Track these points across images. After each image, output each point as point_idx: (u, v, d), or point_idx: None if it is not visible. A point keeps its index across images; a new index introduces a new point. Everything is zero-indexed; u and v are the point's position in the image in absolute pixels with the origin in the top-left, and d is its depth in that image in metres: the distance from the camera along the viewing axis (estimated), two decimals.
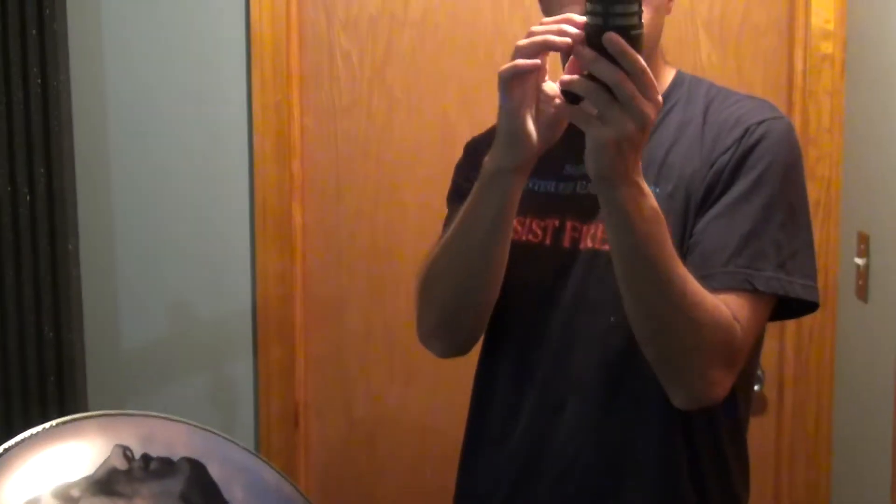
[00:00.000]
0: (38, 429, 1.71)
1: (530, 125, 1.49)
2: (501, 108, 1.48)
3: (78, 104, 2.60)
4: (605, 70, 1.32)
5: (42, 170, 2.46)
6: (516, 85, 1.46)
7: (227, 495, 1.76)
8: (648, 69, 1.32)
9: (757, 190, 1.56)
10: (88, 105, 2.63)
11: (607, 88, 1.32)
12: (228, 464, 1.81)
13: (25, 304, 2.46)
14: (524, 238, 1.68)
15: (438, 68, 2.70)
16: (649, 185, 1.44)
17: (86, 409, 2.49)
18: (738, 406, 1.68)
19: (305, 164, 2.73)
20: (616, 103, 1.32)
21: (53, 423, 1.72)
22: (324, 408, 2.79)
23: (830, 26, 2.53)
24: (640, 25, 1.33)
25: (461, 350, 1.75)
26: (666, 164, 1.62)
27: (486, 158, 1.55)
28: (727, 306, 1.50)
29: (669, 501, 1.64)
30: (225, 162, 2.68)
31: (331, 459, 2.81)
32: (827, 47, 2.53)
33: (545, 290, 1.67)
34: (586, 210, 1.64)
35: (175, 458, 1.76)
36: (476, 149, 1.78)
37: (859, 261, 2.38)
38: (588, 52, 1.33)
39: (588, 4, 1.34)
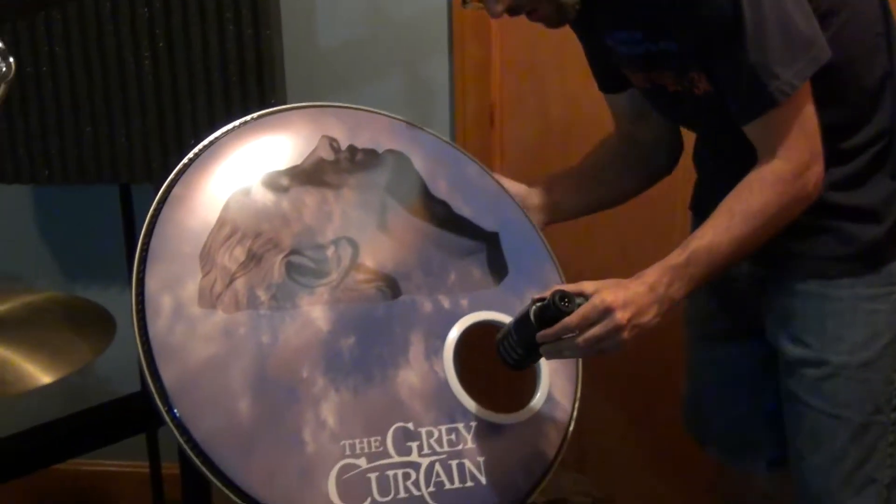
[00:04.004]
0: (247, 118, 1.73)
1: None
2: None
3: None
4: (565, 347, 1.54)
5: None
6: None
7: (430, 187, 1.78)
8: (584, 313, 1.50)
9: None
10: None
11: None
12: (431, 157, 1.82)
13: (224, 1, 2.46)
14: (642, 86, 1.83)
15: None
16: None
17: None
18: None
19: None
20: (602, 339, 1.51)
21: (262, 112, 1.74)
22: (519, 108, 2.76)
23: None
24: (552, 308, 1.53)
25: None
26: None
27: None
28: (764, 151, 1.62)
29: None
30: None
31: (525, 160, 2.79)
32: None
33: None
34: (652, 64, 1.74)
35: (380, 150, 1.77)
36: None
37: None
38: (547, 345, 1.55)
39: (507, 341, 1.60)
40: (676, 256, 1.59)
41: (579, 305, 1.52)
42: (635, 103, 1.91)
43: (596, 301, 1.51)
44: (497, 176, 1.91)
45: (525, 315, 1.57)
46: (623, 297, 1.52)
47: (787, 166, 1.60)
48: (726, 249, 1.59)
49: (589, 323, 1.51)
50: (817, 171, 1.63)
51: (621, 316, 1.50)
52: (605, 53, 1.86)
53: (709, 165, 1.90)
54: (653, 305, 1.55)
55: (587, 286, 1.55)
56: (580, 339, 1.52)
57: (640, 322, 1.53)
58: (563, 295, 1.53)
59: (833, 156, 1.69)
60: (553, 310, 1.53)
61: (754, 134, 1.65)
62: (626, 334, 1.52)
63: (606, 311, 1.50)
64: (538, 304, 1.56)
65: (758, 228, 1.60)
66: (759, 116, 1.62)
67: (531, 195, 1.91)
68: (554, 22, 1.74)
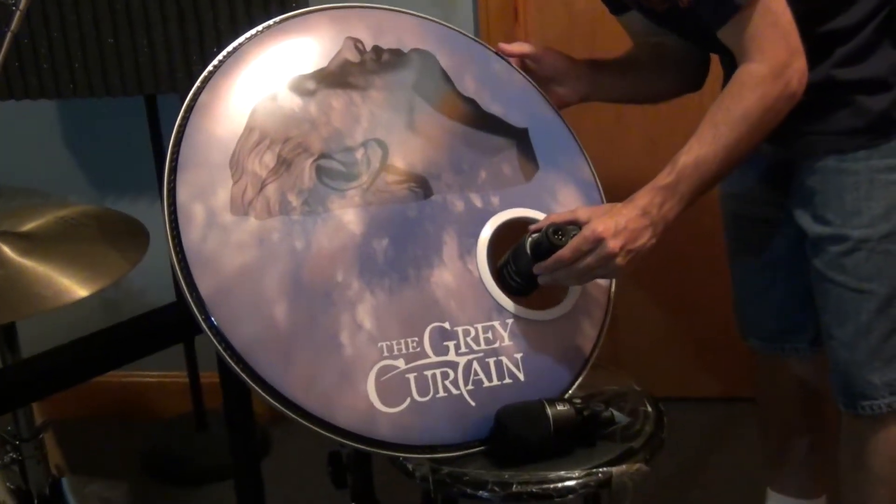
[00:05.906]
0: (269, 23, 1.71)
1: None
2: None
3: None
4: (562, 277, 1.59)
5: None
6: None
7: (458, 85, 1.76)
8: (576, 245, 1.53)
9: None
10: None
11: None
12: (458, 54, 1.79)
13: None
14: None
15: None
16: None
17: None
18: None
19: None
20: (596, 268, 1.55)
21: (284, 16, 1.72)
22: (543, 1, 2.72)
23: None
24: (544, 241, 1.57)
25: None
26: None
27: None
28: (741, 55, 1.62)
29: None
30: None
31: None
32: None
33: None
34: None
35: (405, 49, 1.75)
36: None
37: None
38: (544, 275, 1.59)
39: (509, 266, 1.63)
40: (665, 176, 1.59)
41: (573, 236, 1.55)
42: (649, 22, 1.89)
43: (587, 233, 1.54)
44: (542, 47, 1.89)
45: (521, 247, 1.60)
46: (614, 225, 1.53)
47: (764, 67, 1.59)
48: (714, 160, 1.58)
49: (581, 254, 1.54)
50: (798, 67, 1.61)
51: (613, 245, 1.53)
52: None
53: (728, 67, 1.87)
54: (646, 229, 1.56)
55: (581, 213, 1.58)
56: (574, 270, 1.55)
57: (633, 247, 1.55)
58: (557, 228, 1.57)
59: (830, 37, 1.69)
60: (546, 244, 1.56)
61: (727, 40, 1.64)
62: (619, 261, 1.54)
63: (597, 242, 1.53)
64: (533, 236, 1.59)
65: (744, 134, 1.59)
66: (725, 23, 1.62)
67: (575, 66, 1.89)
68: None
